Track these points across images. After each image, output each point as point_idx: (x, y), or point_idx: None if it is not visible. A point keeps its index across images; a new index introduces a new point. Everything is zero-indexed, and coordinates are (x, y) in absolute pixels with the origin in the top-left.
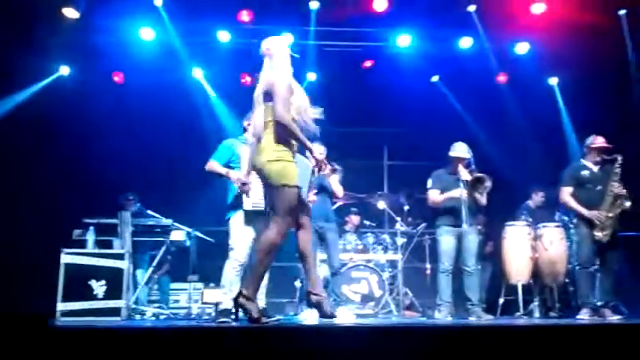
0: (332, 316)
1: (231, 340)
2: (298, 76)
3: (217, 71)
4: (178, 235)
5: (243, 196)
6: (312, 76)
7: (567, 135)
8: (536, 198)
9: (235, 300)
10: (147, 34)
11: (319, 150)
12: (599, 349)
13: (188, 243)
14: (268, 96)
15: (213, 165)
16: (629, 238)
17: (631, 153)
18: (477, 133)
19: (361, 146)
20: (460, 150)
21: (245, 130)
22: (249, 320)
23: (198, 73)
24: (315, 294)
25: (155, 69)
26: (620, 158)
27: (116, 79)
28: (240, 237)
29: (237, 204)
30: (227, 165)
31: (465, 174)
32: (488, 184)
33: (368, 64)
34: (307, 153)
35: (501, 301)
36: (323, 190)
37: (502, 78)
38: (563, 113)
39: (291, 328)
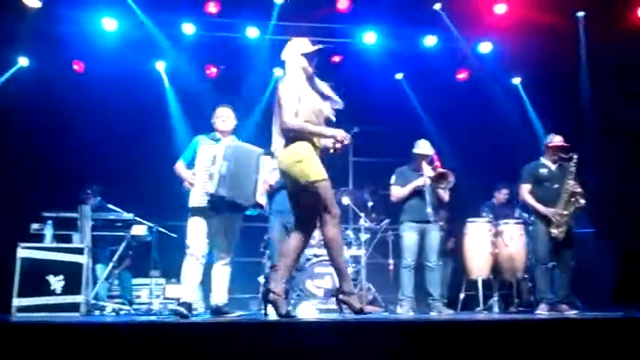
0: (362, 311)
1: (193, 336)
2: (265, 71)
3: (182, 63)
4: (140, 229)
5: (191, 193)
6: (279, 72)
7: (530, 133)
8: (499, 196)
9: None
10: (110, 24)
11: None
12: (557, 342)
13: (150, 238)
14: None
15: (179, 167)
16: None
17: (585, 152)
18: (441, 130)
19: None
20: (423, 147)
21: (215, 127)
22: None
23: (160, 66)
24: (342, 292)
25: (119, 60)
26: (576, 157)
27: (76, 67)
28: (194, 233)
29: (187, 202)
30: (193, 163)
31: (427, 170)
32: (451, 179)
33: (337, 59)
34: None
35: (462, 296)
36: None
37: (462, 75)
38: (530, 111)
39: (252, 323)
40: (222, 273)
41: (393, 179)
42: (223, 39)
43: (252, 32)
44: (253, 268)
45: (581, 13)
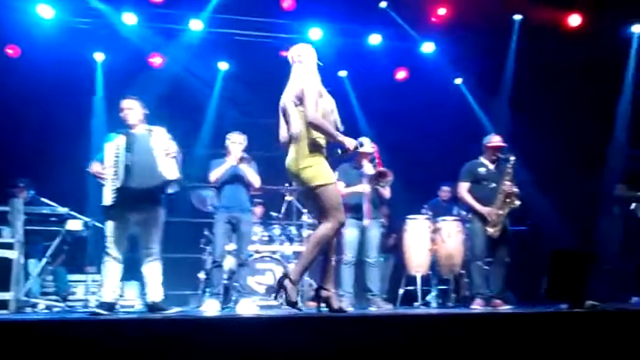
0: (341, 310)
1: (128, 332)
2: (209, 65)
3: (122, 54)
4: (75, 224)
5: (103, 191)
6: (223, 66)
7: (470, 133)
8: (442, 194)
9: (280, 281)
10: (45, 11)
11: (239, 139)
12: (491, 336)
13: (86, 233)
14: (300, 100)
15: (93, 167)
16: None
17: (520, 151)
18: (383, 128)
19: (270, 137)
20: (364, 145)
21: (124, 121)
22: (287, 303)
23: (98, 56)
24: (325, 289)
25: (56, 48)
26: (513, 158)
27: (10, 51)
28: (113, 233)
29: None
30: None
31: (368, 168)
32: (390, 178)
33: (284, 53)
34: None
35: (401, 291)
36: (238, 179)
37: (402, 74)
38: (471, 110)
39: (191, 319)
40: (153, 269)
41: (335, 176)
42: (167, 30)
43: (195, 24)
44: (193, 264)
45: (518, 16)
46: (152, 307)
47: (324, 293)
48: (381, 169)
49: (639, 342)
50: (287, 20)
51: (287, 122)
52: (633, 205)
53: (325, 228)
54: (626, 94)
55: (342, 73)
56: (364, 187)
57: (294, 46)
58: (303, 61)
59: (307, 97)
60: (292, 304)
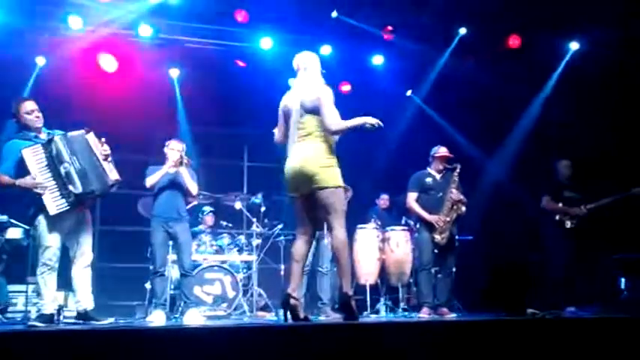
0: (306, 319)
1: (67, 345)
2: (161, 71)
3: (68, 59)
4: (15, 232)
5: (45, 200)
6: (174, 72)
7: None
8: (381, 202)
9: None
10: None
11: (177, 147)
12: (437, 344)
13: (26, 242)
14: (314, 108)
15: (4, 180)
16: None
17: (468, 162)
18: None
19: (222, 146)
20: None
21: (27, 125)
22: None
23: (40, 61)
24: (294, 297)
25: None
26: (459, 167)
27: None
28: (53, 242)
29: (39, 209)
30: (18, 171)
31: None
32: (349, 194)
33: (241, 63)
34: None
35: None
36: (175, 186)
37: (346, 87)
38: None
39: (132, 329)
40: (85, 275)
41: None
42: (116, 36)
43: (145, 31)
44: (139, 274)
45: (462, 30)
46: (84, 316)
47: (292, 301)
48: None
49: (575, 350)
50: (238, 29)
51: (286, 124)
52: (557, 217)
53: (340, 234)
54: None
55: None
56: None
57: (300, 54)
58: (309, 69)
59: (327, 105)
60: (355, 318)
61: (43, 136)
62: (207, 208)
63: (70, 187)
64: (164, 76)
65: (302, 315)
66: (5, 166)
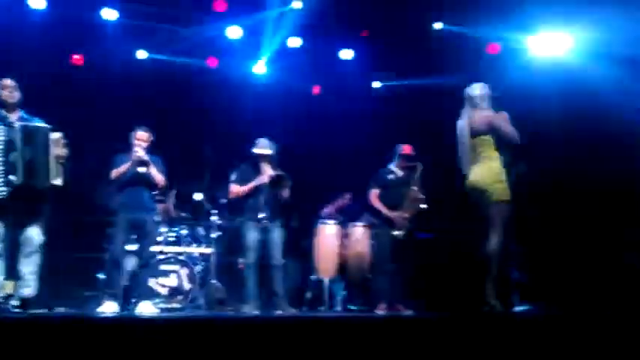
0: None
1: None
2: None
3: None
4: None
5: None
6: (142, 54)
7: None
8: (343, 202)
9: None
10: None
11: (144, 136)
12: (393, 339)
13: None
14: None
15: None
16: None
17: (429, 158)
18: (294, 130)
19: (185, 136)
20: (262, 146)
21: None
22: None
23: None
24: None
25: None
26: (420, 166)
27: None
28: None
29: None
30: None
31: (267, 170)
32: (288, 183)
33: (211, 63)
34: None
35: (308, 295)
36: (141, 178)
37: (316, 90)
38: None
39: (81, 319)
40: (30, 263)
41: (233, 176)
42: (78, 19)
43: (109, 14)
44: (92, 264)
45: (439, 24)
46: (25, 303)
47: None
48: (280, 173)
49: (522, 346)
50: (207, 15)
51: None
52: None
53: (499, 242)
54: None
55: (260, 70)
56: (264, 178)
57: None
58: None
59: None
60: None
61: (14, 116)
62: (164, 199)
63: (11, 177)
64: (130, 59)
65: None
66: None
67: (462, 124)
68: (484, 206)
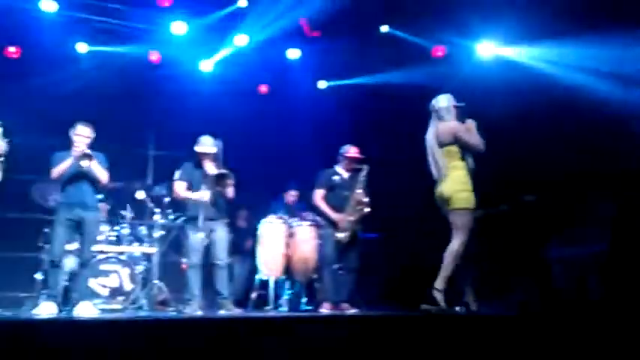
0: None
1: None
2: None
3: None
4: None
5: None
6: (82, 48)
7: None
8: (289, 198)
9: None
10: None
11: (85, 132)
12: (337, 337)
13: None
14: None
15: None
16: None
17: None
18: (244, 129)
19: (128, 133)
20: (205, 144)
21: None
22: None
23: None
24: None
25: None
26: (366, 168)
27: None
28: None
29: None
30: None
31: (210, 168)
32: (231, 181)
33: (154, 57)
34: None
35: (254, 295)
36: (83, 175)
37: (264, 89)
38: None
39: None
40: None
41: (176, 175)
42: (15, 10)
43: (48, 5)
44: (29, 264)
45: (385, 27)
46: None
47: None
48: (223, 171)
49: (464, 344)
50: (150, 10)
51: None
52: None
53: (462, 244)
54: None
55: (207, 68)
56: (203, 194)
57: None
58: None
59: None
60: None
61: None
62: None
63: None
64: (69, 53)
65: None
66: None
67: (429, 135)
68: (448, 213)
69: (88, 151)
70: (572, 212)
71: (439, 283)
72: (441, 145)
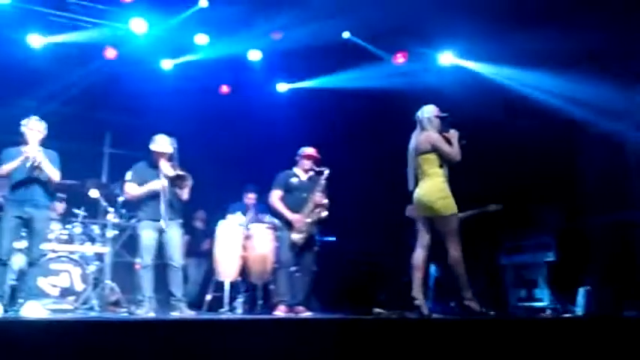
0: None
1: None
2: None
3: None
4: None
5: None
6: (35, 41)
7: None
8: (247, 200)
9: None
10: None
11: (37, 126)
12: (291, 340)
13: None
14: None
15: None
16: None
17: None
18: (204, 129)
19: (82, 129)
20: (161, 143)
21: None
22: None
23: None
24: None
25: None
26: (327, 171)
27: None
28: None
29: None
30: None
31: (166, 168)
32: (188, 182)
33: (110, 54)
34: None
35: (209, 297)
36: (33, 172)
37: (225, 89)
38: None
39: None
40: None
41: (128, 175)
42: None
43: None
44: None
45: (346, 34)
46: None
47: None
48: (180, 172)
49: (416, 348)
50: (110, 7)
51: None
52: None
53: (458, 250)
54: None
55: (167, 65)
56: (161, 183)
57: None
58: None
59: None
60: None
61: None
62: (57, 195)
63: None
64: (22, 45)
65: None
66: None
67: (411, 145)
68: (432, 221)
69: (38, 161)
70: (521, 221)
71: (466, 293)
72: (420, 152)
